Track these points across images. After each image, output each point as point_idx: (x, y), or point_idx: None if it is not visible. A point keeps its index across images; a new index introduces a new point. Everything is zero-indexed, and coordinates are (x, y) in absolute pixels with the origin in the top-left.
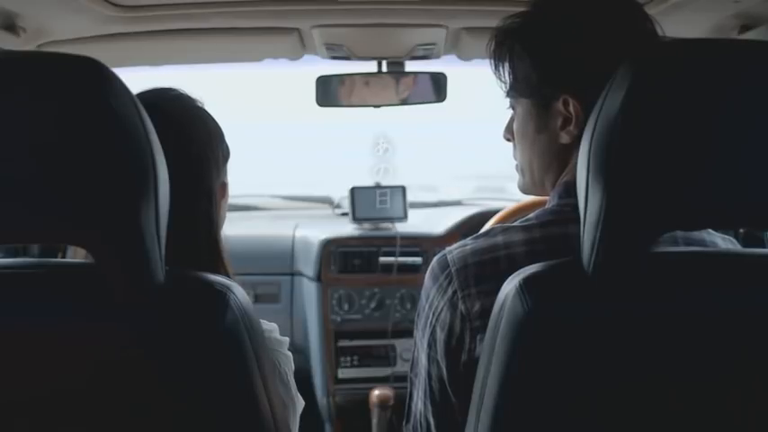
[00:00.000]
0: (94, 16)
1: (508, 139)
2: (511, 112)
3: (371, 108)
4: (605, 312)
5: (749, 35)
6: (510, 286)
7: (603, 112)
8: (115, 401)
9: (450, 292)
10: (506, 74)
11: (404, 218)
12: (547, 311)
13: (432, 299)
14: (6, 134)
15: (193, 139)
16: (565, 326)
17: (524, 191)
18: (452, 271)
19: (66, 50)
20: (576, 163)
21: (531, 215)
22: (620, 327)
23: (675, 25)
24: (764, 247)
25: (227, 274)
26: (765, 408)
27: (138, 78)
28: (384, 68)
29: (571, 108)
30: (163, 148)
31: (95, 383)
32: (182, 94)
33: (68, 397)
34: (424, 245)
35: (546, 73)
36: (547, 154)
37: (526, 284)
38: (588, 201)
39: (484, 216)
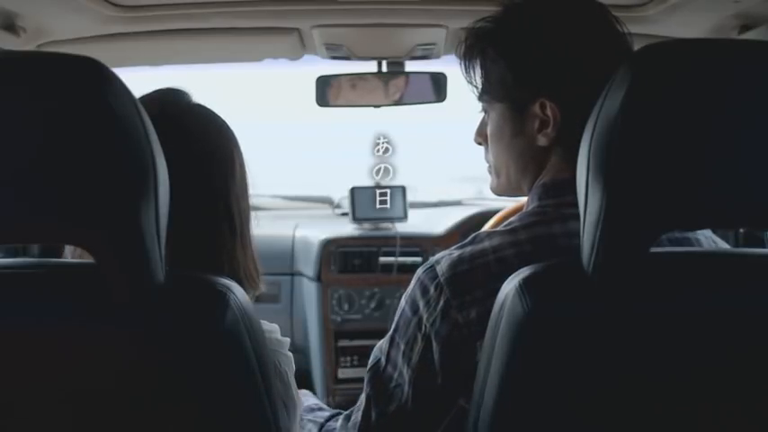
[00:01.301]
0: (94, 16)
1: (479, 143)
2: (481, 115)
3: (371, 108)
4: (605, 312)
5: (749, 35)
6: (510, 286)
7: (603, 112)
8: (115, 401)
9: (442, 302)
10: (477, 77)
11: (404, 218)
12: (547, 311)
13: (421, 311)
14: (6, 134)
15: (210, 143)
16: (565, 326)
17: (498, 193)
18: (442, 281)
19: (66, 50)
20: (553, 165)
21: (513, 219)
22: (619, 326)
23: (675, 25)
24: (764, 246)
25: (256, 271)
26: (764, 407)
27: (138, 78)
28: (384, 68)
29: (548, 111)
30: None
31: (95, 383)
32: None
33: (68, 397)
34: (424, 245)
35: (522, 75)
36: (523, 157)
37: (526, 284)
38: (588, 201)
39: (484, 216)
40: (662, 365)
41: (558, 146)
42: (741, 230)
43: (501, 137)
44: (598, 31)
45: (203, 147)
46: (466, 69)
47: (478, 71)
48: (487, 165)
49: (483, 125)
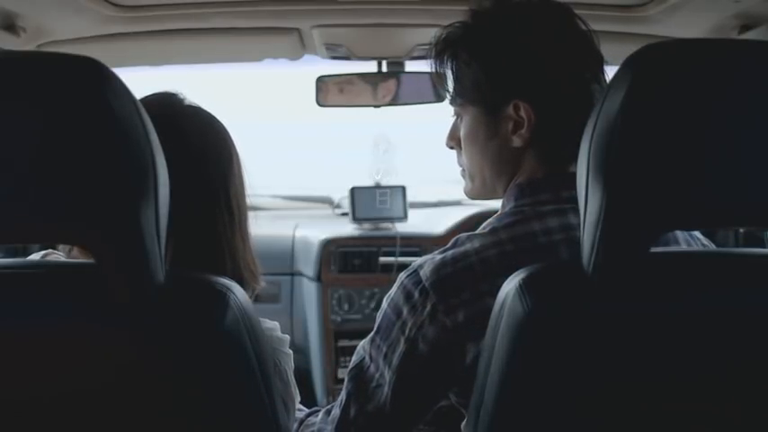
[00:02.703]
0: (94, 16)
1: (452, 147)
2: (452, 119)
3: (371, 108)
4: (605, 312)
5: (749, 35)
6: (510, 286)
7: (603, 112)
8: (115, 401)
9: (429, 306)
10: (449, 82)
11: (404, 218)
12: (547, 311)
13: (404, 316)
14: (6, 134)
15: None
16: (565, 325)
17: (472, 196)
18: (427, 285)
19: (66, 50)
20: (528, 165)
21: (492, 220)
22: (619, 326)
23: (675, 25)
24: (764, 246)
25: (255, 265)
26: (764, 407)
27: (138, 78)
28: (384, 68)
29: (522, 112)
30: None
31: (95, 383)
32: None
33: (68, 397)
34: (424, 245)
35: (495, 77)
36: (499, 159)
37: (526, 284)
38: (588, 201)
39: (483, 216)
40: (662, 365)
41: (533, 146)
42: (741, 230)
43: (475, 140)
44: (566, 31)
45: (201, 145)
46: (437, 74)
47: (450, 75)
48: (461, 169)
49: (455, 129)
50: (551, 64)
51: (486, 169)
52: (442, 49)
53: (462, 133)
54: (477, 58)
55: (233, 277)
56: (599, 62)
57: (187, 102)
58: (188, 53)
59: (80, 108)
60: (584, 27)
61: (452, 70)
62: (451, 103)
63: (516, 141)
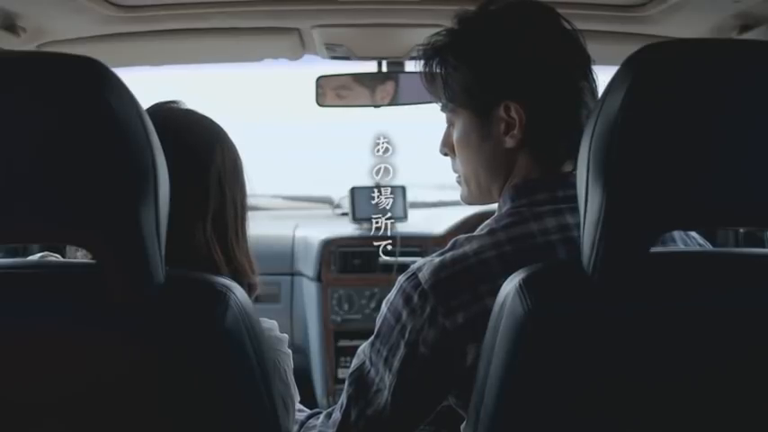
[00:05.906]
0: (94, 16)
1: (446, 154)
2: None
3: (371, 108)
4: (605, 312)
5: (749, 35)
6: (510, 286)
7: (603, 112)
8: (115, 402)
9: (428, 309)
10: (440, 89)
11: (404, 218)
12: (547, 311)
13: (404, 319)
14: (6, 134)
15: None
16: (565, 325)
17: (469, 202)
18: (426, 288)
19: (66, 50)
20: (522, 166)
21: (490, 222)
22: (619, 326)
23: (675, 25)
24: (764, 246)
25: (249, 263)
26: (764, 406)
27: (138, 78)
28: (384, 68)
29: (513, 112)
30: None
31: (95, 384)
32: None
33: (68, 397)
34: (424, 245)
35: (484, 79)
36: (493, 161)
37: (526, 284)
38: (588, 201)
39: (483, 216)
40: (662, 365)
41: (526, 146)
42: (741, 230)
43: (468, 143)
44: (551, 30)
45: (184, 139)
46: (428, 81)
47: (440, 82)
48: (456, 175)
49: (448, 136)
50: (538, 63)
51: (480, 172)
52: (431, 57)
53: (455, 138)
54: (465, 62)
55: (205, 268)
56: (586, 60)
57: (182, 106)
58: (188, 53)
59: (80, 108)
60: (568, 26)
61: (442, 76)
62: (443, 109)
63: (509, 142)
